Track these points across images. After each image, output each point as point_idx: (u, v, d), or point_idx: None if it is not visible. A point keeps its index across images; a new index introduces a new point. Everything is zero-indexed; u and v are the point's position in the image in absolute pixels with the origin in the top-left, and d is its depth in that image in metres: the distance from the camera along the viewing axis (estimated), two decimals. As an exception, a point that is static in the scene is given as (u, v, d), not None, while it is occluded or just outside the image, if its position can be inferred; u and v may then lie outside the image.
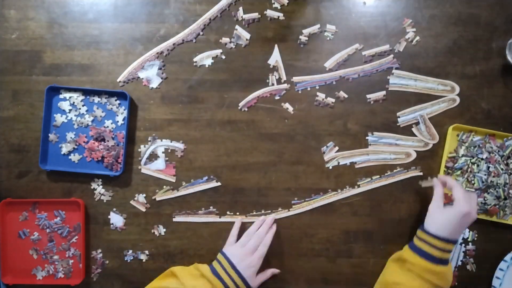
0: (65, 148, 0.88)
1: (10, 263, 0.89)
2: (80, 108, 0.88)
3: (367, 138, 0.89)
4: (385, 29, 0.88)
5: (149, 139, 0.89)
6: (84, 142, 0.88)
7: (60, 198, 0.89)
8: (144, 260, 0.89)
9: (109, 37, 0.89)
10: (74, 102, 0.88)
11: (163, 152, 0.89)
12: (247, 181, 0.89)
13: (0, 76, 0.89)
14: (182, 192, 0.89)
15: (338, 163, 0.89)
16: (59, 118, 0.88)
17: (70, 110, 0.89)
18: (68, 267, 0.90)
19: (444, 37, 0.88)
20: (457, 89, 0.88)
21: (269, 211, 0.89)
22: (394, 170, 0.89)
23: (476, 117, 0.88)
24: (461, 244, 0.89)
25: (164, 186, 0.89)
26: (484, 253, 0.89)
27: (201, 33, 0.88)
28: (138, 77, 0.89)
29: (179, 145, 0.89)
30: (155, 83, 0.89)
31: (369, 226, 0.89)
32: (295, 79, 0.89)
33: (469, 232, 0.89)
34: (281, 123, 0.89)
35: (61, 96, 0.89)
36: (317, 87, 0.89)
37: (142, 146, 0.89)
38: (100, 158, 0.88)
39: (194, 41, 0.88)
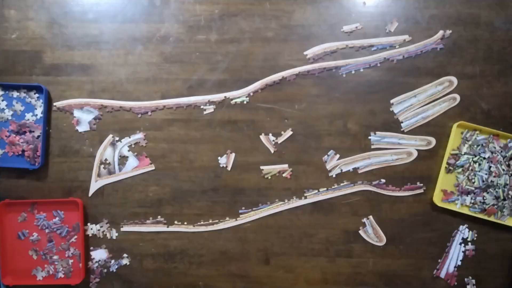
0: None
1: (10, 264, 0.89)
2: None
3: (369, 137, 0.89)
4: (385, 29, 0.88)
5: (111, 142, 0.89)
6: (6, 136, 0.88)
7: (60, 198, 0.89)
8: (127, 264, 0.90)
9: (109, 37, 0.89)
10: None
11: (129, 151, 0.89)
12: (247, 181, 0.89)
13: (0, 76, 0.89)
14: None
15: (341, 170, 0.89)
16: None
17: None
18: (68, 267, 0.90)
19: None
20: (455, 81, 0.88)
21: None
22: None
23: (476, 117, 0.88)
24: (460, 244, 0.89)
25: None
26: (483, 253, 0.89)
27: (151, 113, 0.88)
28: (72, 113, 0.88)
29: (138, 136, 0.89)
30: (82, 128, 0.88)
31: (369, 226, 0.89)
32: (340, 62, 0.88)
33: (469, 232, 0.88)
34: (281, 123, 0.89)
35: None
36: (362, 70, 0.88)
37: (107, 155, 0.89)
38: (20, 152, 0.88)
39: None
